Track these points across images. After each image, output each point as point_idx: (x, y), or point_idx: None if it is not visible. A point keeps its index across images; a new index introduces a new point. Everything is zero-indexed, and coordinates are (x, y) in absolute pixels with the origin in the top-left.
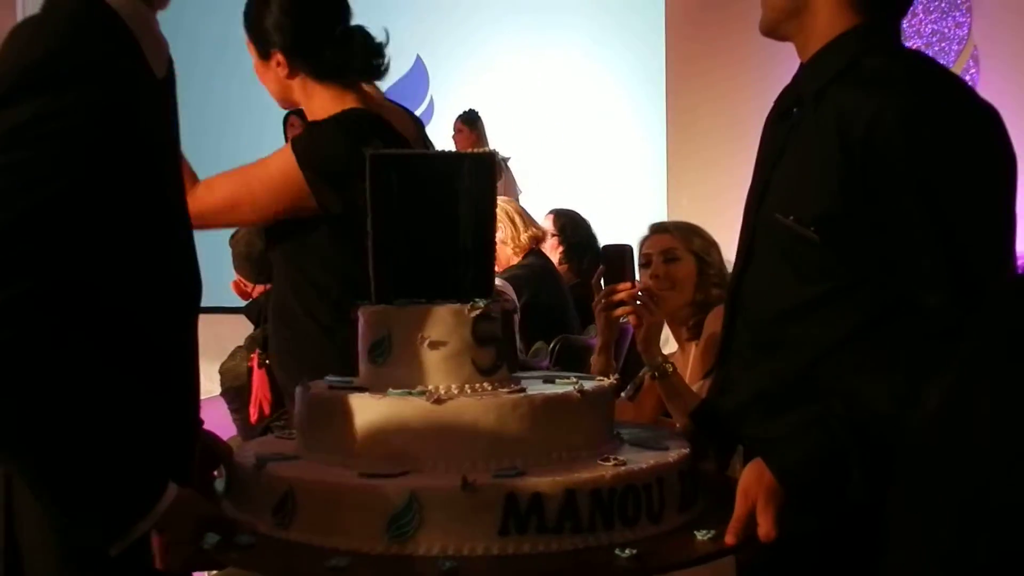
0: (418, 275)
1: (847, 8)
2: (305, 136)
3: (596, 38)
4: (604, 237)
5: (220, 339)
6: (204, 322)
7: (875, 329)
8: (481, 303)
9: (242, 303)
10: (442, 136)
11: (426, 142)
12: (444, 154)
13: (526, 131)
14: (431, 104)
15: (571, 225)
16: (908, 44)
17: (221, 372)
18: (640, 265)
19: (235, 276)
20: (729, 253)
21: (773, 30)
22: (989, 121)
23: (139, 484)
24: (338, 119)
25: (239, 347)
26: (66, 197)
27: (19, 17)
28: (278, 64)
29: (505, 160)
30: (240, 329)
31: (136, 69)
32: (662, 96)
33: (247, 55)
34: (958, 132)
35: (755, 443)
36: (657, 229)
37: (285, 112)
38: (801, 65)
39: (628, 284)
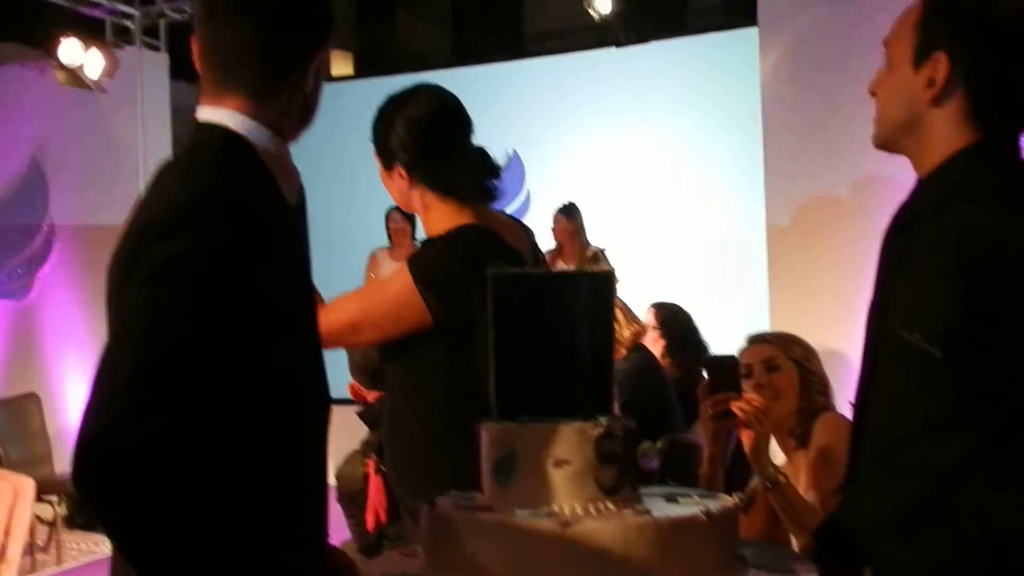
0: (539, 391)
1: (964, 124)
2: (421, 254)
3: (692, 132)
4: (704, 328)
5: (333, 435)
6: None
7: (1006, 446)
8: (603, 421)
9: None
10: (539, 227)
11: (536, 251)
12: (563, 274)
13: (623, 223)
14: (528, 197)
15: (672, 318)
16: None
17: (337, 478)
18: (742, 377)
19: (351, 381)
20: (829, 341)
21: (888, 144)
22: None
23: None
24: (453, 236)
25: (355, 451)
26: (208, 331)
27: (140, 122)
28: (400, 176)
29: (602, 251)
30: (352, 425)
31: (273, 203)
32: (760, 184)
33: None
34: None
35: (888, 567)
36: (756, 340)
37: (386, 209)
38: (918, 180)
39: (734, 395)
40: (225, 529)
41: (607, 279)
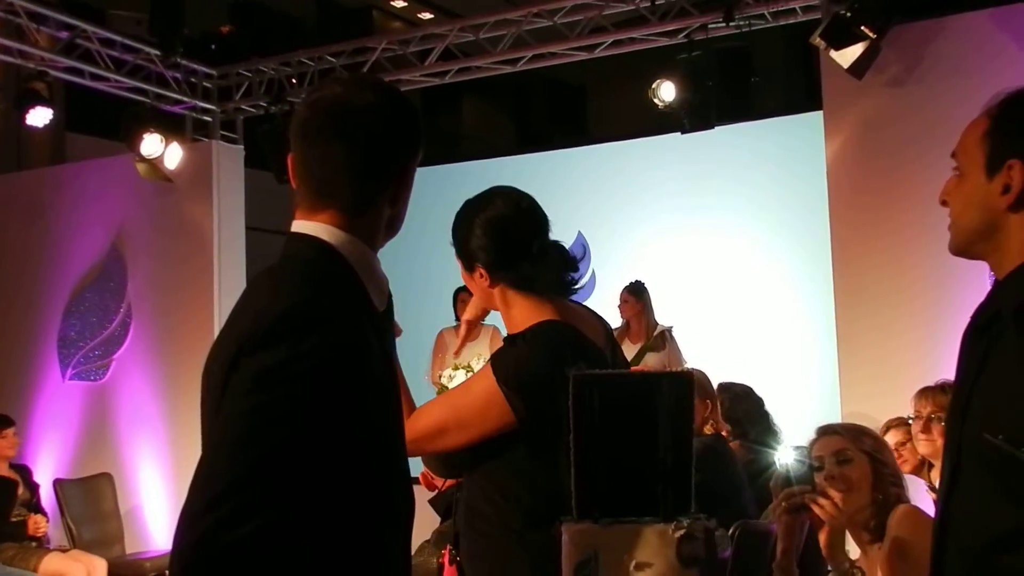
0: (619, 492)
1: None
2: (505, 354)
3: (758, 215)
4: (774, 410)
5: None
6: None
7: None
8: (685, 522)
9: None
10: (603, 306)
11: (613, 341)
12: (643, 375)
13: (688, 305)
14: (593, 276)
15: (737, 399)
16: None
17: None
18: (814, 469)
19: (423, 469)
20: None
21: (965, 251)
22: None
23: None
24: (535, 333)
25: (426, 542)
26: (305, 436)
27: (215, 211)
28: (480, 276)
29: (669, 329)
30: (421, 514)
31: (363, 310)
32: (828, 267)
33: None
34: None
35: None
36: (825, 431)
37: (455, 289)
38: (997, 281)
39: (808, 488)
40: None
41: (687, 380)
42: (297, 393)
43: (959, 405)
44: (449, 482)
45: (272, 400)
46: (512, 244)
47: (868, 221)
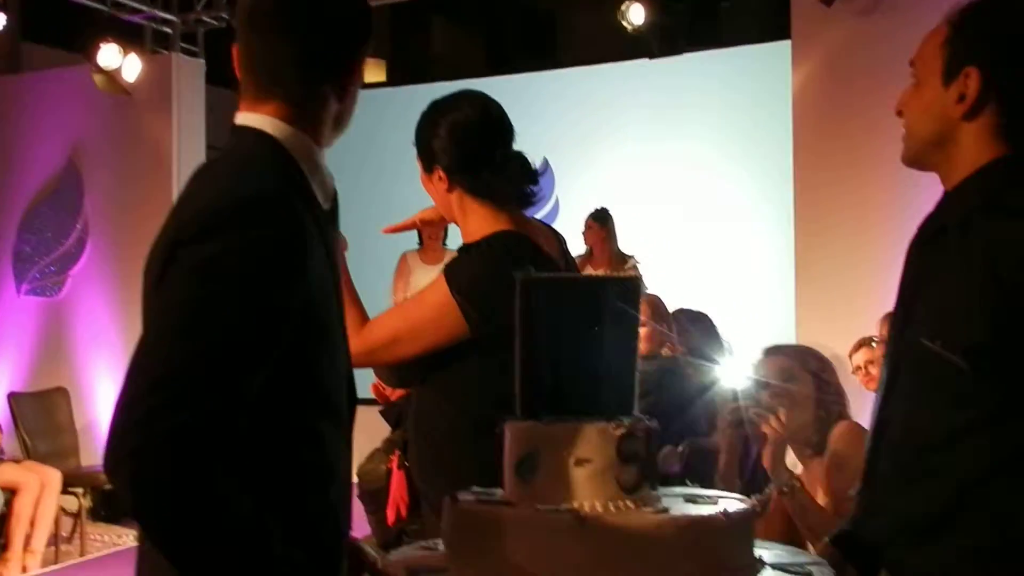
0: (563, 393)
1: (993, 138)
2: (458, 263)
3: (723, 143)
4: (730, 337)
5: (356, 435)
6: None
7: None
8: (626, 422)
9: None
10: (567, 234)
11: (568, 257)
12: (590, 278)
13: (652, 231)
14: (556, 204)
15: (693, 324)
16: None
17: (359, 475)
18: (759, 387)
19: (375, 379)
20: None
21: (918, 161)
22: None
23: None
24: (490, 243)
25: (377, 449)
26: (242, 331)
27: (174, 127)
28: (439, 178)
29: (631, 259)
30: (375, 427)
31: (307, 205)
32: (789, 196)
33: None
34: None
35: (903, 571)
36: (772, 351)
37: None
38: (945, 193)
39: (751, 403)
40: (250, 523)
41: (634, 284)
42: (236, 284)
43: (901, 313)
44: (400, 392)
45: (211, 290)
46: (475, 150)
47: (831, 149)
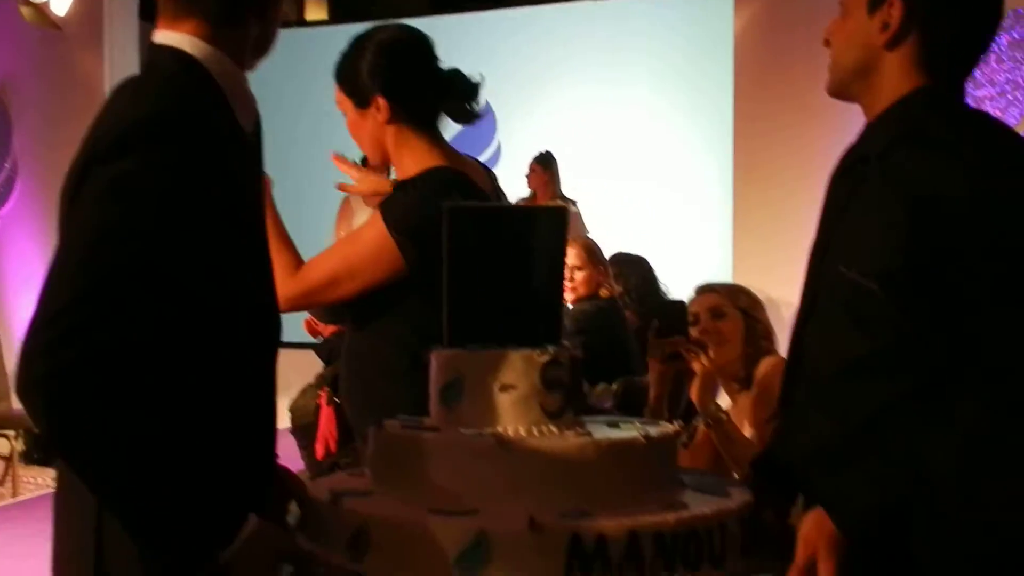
0: (490, 322)
1: (914, 69)
2: (393, 200)
3: (664, 85)
4: (670, 281)
5: (286, 374)
6: None
7: (939, 388)
8: (551, 349)
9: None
10: (508, 179)
11: (500, 194)
12: (519, 208)
13: (593, 176)
14: (498, 148)
15: (630, 268)
16: (980, 92)
17: (291, 410)
18: (689, 324)
19: (307, 315)
20: (791, 296)
21: (841, 91)
22: None
23: (222, 514)
24: (425, 179)
25: (309, 385)
26: (154, 252)
27: (107, 63)
28: (378, 109)
29: (573, 202)
30: (307, 365)
31: (227, 125)
32: (729, 142)
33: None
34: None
35: (817, 493)
36: (704, 289)
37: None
38: (867, 123)
39: (680, 337)
40: (168, 450)
41: (560, 214)
42: (149, 206)
43: (820, 242)
44: (332, 329)
45: (121, 212)
46: (411, 66)
47: (771, 96)
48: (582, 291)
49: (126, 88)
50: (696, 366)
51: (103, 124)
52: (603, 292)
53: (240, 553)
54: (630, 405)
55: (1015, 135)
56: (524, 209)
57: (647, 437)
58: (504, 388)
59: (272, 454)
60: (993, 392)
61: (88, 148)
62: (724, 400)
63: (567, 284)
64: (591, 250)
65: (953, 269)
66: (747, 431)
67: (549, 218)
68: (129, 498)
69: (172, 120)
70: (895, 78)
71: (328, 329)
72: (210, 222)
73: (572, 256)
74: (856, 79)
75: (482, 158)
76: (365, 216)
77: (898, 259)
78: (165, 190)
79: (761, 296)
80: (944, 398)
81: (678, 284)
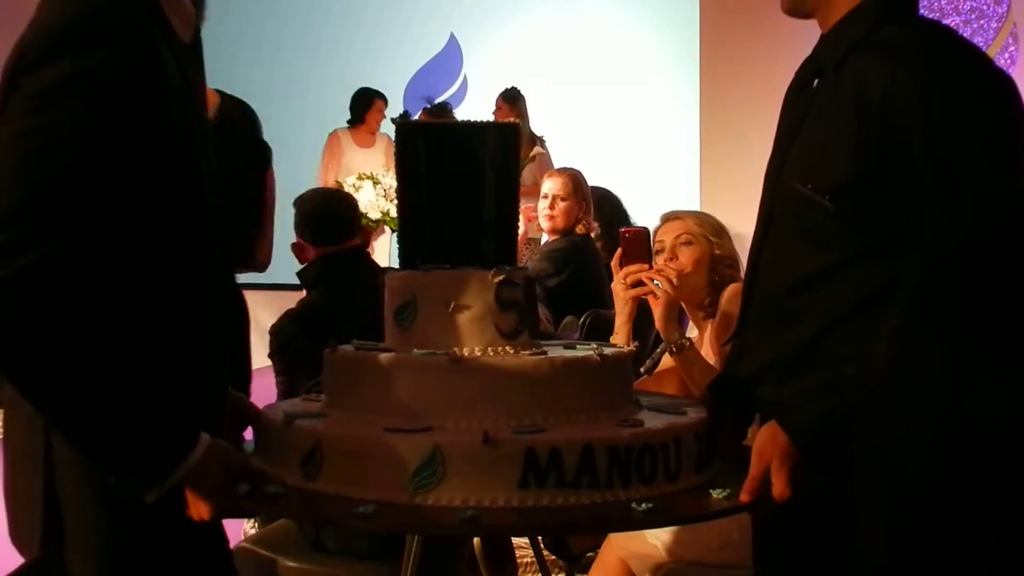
0: (444, 242)
1: None
2: None
3: (630, 16)
4: (637, 215)
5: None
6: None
7: (886, 299)
8: (505, 269)
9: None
10: (477, 114)
11: None
12: (468, 124)
13: (560, 109)
14: (464, 81)
15: (605, 204)
16: (946, 21)
17: (271, 333)
18: (655, 252)
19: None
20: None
21: (798, 5)
22: (1004, 91)
23: (175, 433)
24: None
25: (290, 309)
26: (93, 157)
27: None
28: None
29: (541, 139)
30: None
31: (160, 33)
32: (696, 72)
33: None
34: (971, 101)
35: (769, 406)
36: (670, 217)
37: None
38: (821, 36)
39: (644, 265)
40: (118, 364)
41: (514, 130)
42: (83, 111)
43: (776, 159)
44: (319, 250)
45: (55, 119)
46: None
47: (738, 22)
48: (560, 223)
49: None
50: (659, 293)
51: (29, 32)
52: (580, 228)
53: (193, 471)
54: (597, 337)
55: (966, 44)
56: (474, 125)
57: (601, 355)
58: (458, 309)
59: (224, 377)
60: (923, 295)
61: (13, 59)
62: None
63: (547, 212)
64: (578, 183)
65: (902, 177)
66: (711, 358)
67: (500, 134)
68: (79, 412)
69: (104, 22)
70: None
71: (314, 252)
72: (145, 124)
73: (558, 186)
74: None
75: (449, 92)
76: (354, 153)
77: (850, 173)
78: (100, 94)
79: (728, 227)
80: (892, 311)
81: (646, 217)
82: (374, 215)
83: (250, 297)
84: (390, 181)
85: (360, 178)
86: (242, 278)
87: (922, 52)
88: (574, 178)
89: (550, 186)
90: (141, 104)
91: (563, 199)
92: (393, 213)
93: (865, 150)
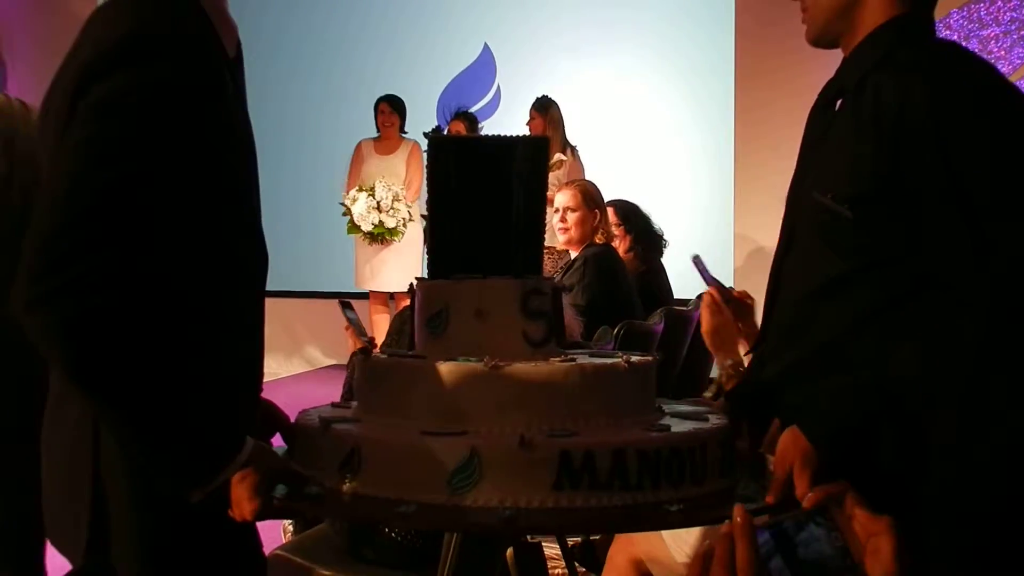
0: (473, 252)
1: (892, 1)
2: None
3: (665, 26)
4: (671, 226)
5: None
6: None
7: (906, 304)
8: (532, 279)
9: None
10: (510, 124)
11: None
12: (498, 139)
13: (593, 118)
14: (498, 92)
15: (633, 215)
16: (985, 32)
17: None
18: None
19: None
20: None
21: (823, 34)
22: (1021, 104)
23: (222, 435)
24: None
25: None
26: (146, 169)
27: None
28: None
29: (574, 148)
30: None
31: (212, 47)
32: (731, 82)
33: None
34: (986, 114)
35: (790, 411)
36: None
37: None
38: (844, 58)
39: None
40: (172, 373)
41: (542, 145)
42: (146, 122)
43: (799, 174)
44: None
45: (113, 131)
46: None
47: (773, 35)
48: (575, 234)
49: (109, 8)
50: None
51: (87, 45)
52: (598, 238)
53: (240, 472)
54: (631, 348)
55: (982, 60)
56: (503, 139)
57: (628, 362)
58: (487, 317)
59: (259, 384)
60: (950, 304)
61: (76, 69)
62: None
63: (560, 225)
64: (587, 192)
65: (917, 185)
66: None
67: (529, 147)
68: (143, 417)
69: (161, 36)
70: (874, 11)
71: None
72: (202, 142)
73: (567, 197)
74: (837, 19)
75: (482, 102)
76: (374, 161)
77: (868, 184)
78: (159, 105)
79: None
80: (911, 316)
81: (679, 228)
82: (366, 227)
83: (284, 305)
84: (382, 192)
85: (359, 190)
86: (273, 285)
87: (937, 67)
88: (583, 188)
89: (560, 199)
90: (202, 122)
91: (573, 210)
92: (387, 224)
93: (882, 163)
